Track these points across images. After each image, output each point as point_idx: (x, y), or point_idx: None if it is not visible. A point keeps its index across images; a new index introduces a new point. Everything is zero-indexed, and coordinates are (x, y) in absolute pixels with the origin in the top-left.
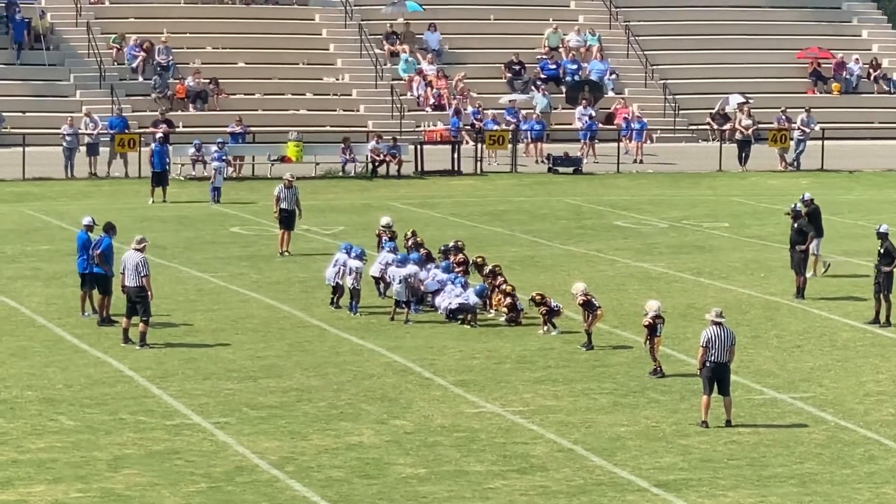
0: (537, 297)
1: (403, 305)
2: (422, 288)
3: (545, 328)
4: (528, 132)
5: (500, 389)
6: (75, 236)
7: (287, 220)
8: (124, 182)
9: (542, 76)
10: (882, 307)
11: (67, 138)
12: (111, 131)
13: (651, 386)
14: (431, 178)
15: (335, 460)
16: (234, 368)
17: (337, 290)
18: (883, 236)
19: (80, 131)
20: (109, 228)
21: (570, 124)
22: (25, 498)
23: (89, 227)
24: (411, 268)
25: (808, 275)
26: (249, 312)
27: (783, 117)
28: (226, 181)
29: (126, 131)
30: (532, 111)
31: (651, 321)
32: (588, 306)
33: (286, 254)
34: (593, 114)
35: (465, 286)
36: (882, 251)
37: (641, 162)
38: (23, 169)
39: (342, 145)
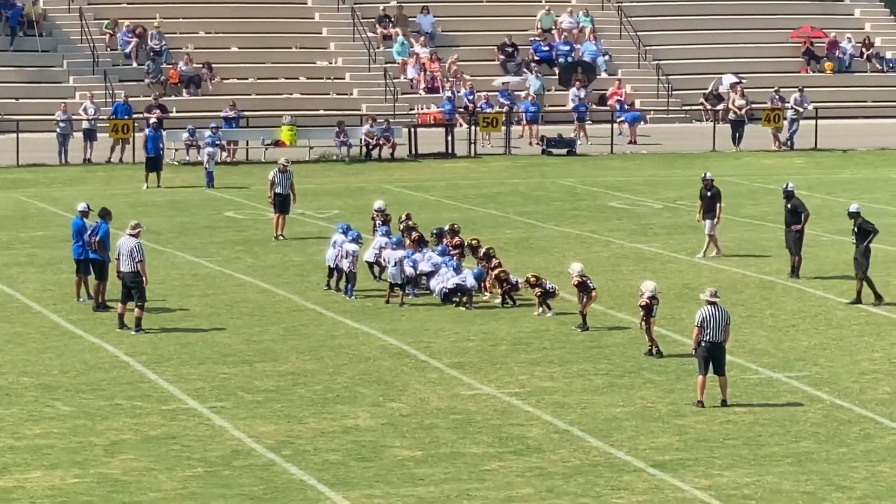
0: (532, 279)
1: (398, 288)
2: (417, 269)
3: (540, 310)
4: (524, 114)
5: (495, 371)
6: (70, 222)
7: (282, 204)
8: (118, 168)
9: (536, 58)
10: (863, 285)
11: (61, 124)
12: (114, 118)
13: (647, 366)
14: (425, 161)
15: (331, 443)
16: (230, 353)
17: (333, 272)
18: (854, 215)
19: (74, 117)
20: (105, 214)
21: (564, 106)
22: (23, 484)
23: (84, 213)
24: (405, 250)
25: (698, 257)
26: (244, 297)
27: (776, 97)
28: (219, 165)
29: (127, 117)
30: (526, 93)
31: (647, 301)
32: (583, 288)
33: (281, 238)
34: (584, 95)
35: (457, 269)
36: (856, 230)
37: (635, 143)
38: (17, 155)
39: (336, 129)
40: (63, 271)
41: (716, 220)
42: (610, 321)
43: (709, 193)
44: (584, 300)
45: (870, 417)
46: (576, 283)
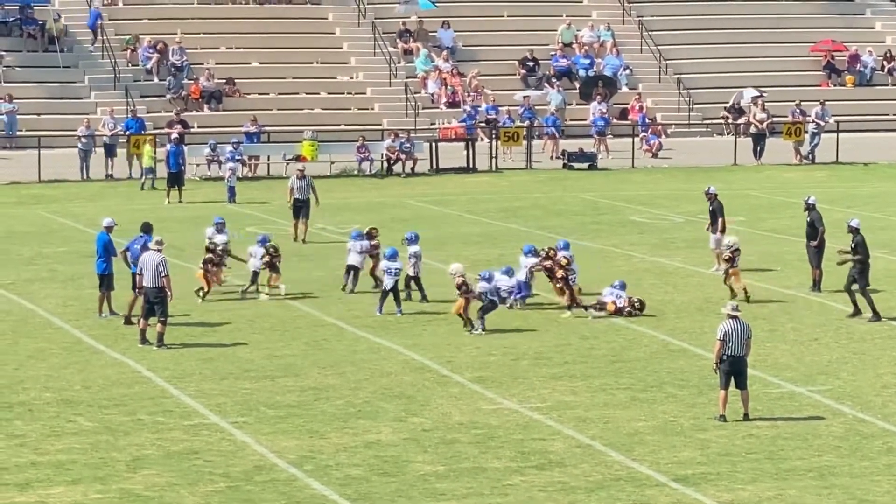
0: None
1: (392, 294)
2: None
3: (568, 312)
4: (549, 128)
5: (517, 386)
6: (94, 238)
7: (302, 209)
8: (140, 183)
9: (556, 72)
10: (859, 301)
11: (83, 140)
12: (127, 132)
13: (668, 381)
14: (446, 176)
15: (353, 458)
16: (252, 368)
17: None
18: (854, 230)
19: (97, 133)
20: (149, 229)
21: (585, 120)
22: (45, 499)
23: (109, 229)
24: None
25: (712, 270)
26: (266, 311)
27: (797, 110)
28: (240, 181)
29: (142, 132)
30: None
31: (461, 281)
32: (463, 288)
33: (304, 242)
34: (604, 110)
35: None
36: (853, 245)
37: (656, 156)
38: (38, 171)
39: (357, 143)
40: (85, 287)
41: (717, 233)
42: (631, 335)
43: (710, 207)
44: (463, 301)
45: (892, 431)
46: (458, 283)
